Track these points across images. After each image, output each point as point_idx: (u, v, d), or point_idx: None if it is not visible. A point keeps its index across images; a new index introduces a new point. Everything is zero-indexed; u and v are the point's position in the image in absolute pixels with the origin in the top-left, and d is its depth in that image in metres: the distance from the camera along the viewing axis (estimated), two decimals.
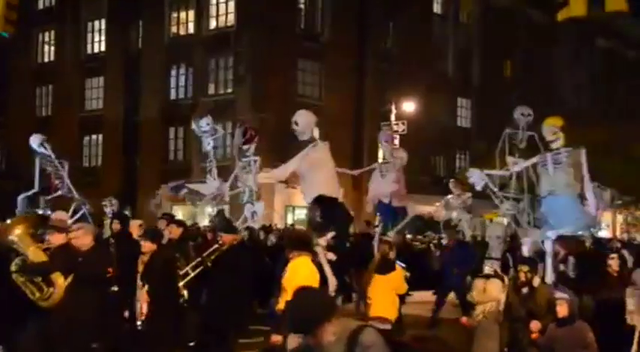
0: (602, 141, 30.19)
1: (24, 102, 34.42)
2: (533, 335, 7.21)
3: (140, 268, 7.78)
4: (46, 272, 6.94)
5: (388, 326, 7.96)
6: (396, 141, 29.94)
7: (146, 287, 7.50)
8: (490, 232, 9.83)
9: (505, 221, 11.14)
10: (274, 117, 24.77)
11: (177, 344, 7.93)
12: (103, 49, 33.11)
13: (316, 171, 9.91)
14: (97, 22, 33.32)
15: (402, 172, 12.40)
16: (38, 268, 6.97)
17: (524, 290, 7.45)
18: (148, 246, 7.64)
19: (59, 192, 12.50)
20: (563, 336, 6.60)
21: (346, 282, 11.30)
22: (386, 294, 8.12)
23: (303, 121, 10.23)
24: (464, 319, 7.93)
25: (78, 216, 11.63)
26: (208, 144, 11.79)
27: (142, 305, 7.41)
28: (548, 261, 9.12)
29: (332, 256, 10.49)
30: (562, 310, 6.64)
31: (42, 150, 12.49)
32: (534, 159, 9.74)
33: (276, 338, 6.23)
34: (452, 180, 15.95)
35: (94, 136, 33.13)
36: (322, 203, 10.21)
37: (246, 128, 11.87)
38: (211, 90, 29.42)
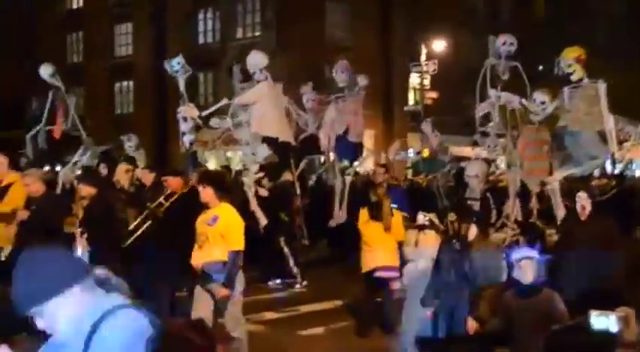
0: (636, 81, 29.48)
1: (55, 50, 34.57)
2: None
3: (80, 213, 7.07)
4: None
5: (395, 274, 7.43)
6: (427, 82, 29.69)
7: (85, 235, 6.88)
8: (468, 171, 8.78)
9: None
10: (302, 60, 24.63)
11: None
12: None
13: (257, 107, 10.13)
14: None
15: (360, 104, 11.65)
16: None
17: (457, 245, 5.85)
18: (86, 190, 6.93)
19: (62, 126, 11.90)
20: (525, 308, 5.07)
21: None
22: (387, 241, 7.59)
23: (251, 61, 10.52)
24: (394, 285, 6.88)
25: (85, 157, 11.35)
26: (181, 85, 11.61)
27: (83, 253, 6.70)
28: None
29: (264, 192, 10.72)
30: (528, 273, 5.05)
31: (53, 80, 11.82)
32: (557, 100, 9.19)
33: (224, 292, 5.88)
34: (428, 120, 15.66)
35: (124, 83, 33.32)
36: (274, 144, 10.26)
37: (242, 67, 11.61)
38: (239, 34, 29.22)
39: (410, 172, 17.70)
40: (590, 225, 6.35)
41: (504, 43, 9.88)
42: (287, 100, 11.46)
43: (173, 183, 7.46)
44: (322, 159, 12.56)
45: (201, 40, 30.43)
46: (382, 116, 29.36)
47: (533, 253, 5.19)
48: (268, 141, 10.37)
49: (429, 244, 6.46)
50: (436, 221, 6.78)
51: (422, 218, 6.82)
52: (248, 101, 10.32)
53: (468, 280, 5.64)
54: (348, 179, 11.26)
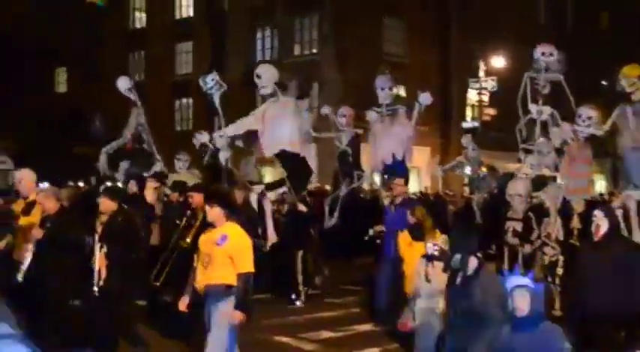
0: None
1: (118, 68, 35.50)
2: None
3: (99, 229, 6.93)
4: None
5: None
6: (485, 98, 29.26)
7: (104, 250, 6.69)
8: (510, 190, 8.37)
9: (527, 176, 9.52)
10: (359, 76, 24.58)
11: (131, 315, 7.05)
12: (191, 13, 33.68)
13: (276, 126, 9.91)
14: None
15: (412, 129, 10.99)
16: None
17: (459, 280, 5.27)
18: (106, 205, 6.80)
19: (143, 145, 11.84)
20: (519, 344, 4.50)
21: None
22: None
23: (266, 75, 10.23)
24: (403, 323, 6.35)
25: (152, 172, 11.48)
26: (215, 101, 11.65)
27: (101, 269, 6.60)
28: (634, 221, 8.26)
29: (303, 207, 10.55)
30: (521, 304, 4.47)
31: (129, 94, 11.92)
32: (613, 117, 8.84)
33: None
34: (468, 135, 15.25)
35: (184, 100, 33.95)
36: (284, 158, 10.13)
37: (301, 82, 11.60)
38: (296, 51, 29.44)
39: (467, 190, 17.38)
40: (603, 247, 5.80)
41: (543, 53, 9.50)
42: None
43: (197, 198, 7.39)
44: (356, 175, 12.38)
45: (259, 57, 30.77)
46: (439, 133, 29.05)
47: (526, 281, 4.56)
48: (289, 156, 10.27)
49: (439, 278, 5.93)
50: (447, 249, 6.04)
51: (431, 247, 6.25)
52: (277, 114, 10.28)
53: (469, 312, 5.00)
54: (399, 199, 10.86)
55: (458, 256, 5.23)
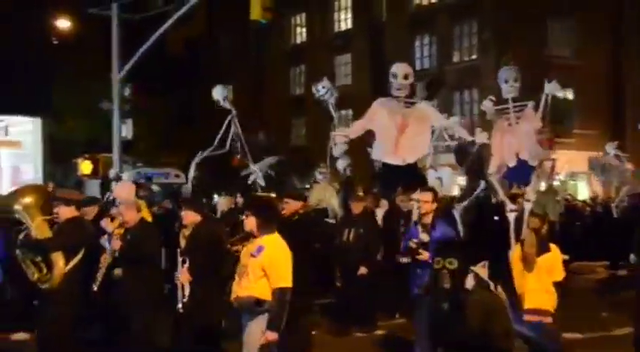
0: None
1: (280, 82, 36.88)
2: None
3: (182, 243, 6.71)
4: (45, 250, 6.31)
5: (549, 320, 6.49)
6: None
7: (186, 265, 6.46)
8: None
9: None
10: (522, 81, 23.66)
11: (220, 333, 6.75)
12: (349, 26, 34.20)
13: (416, 133, 9.76)
14: (342, 0, 34.48)
15: (535, 120, 9.56)
16: (37, 245, 6.35)
17: (445, 306, 4.26)
18: (189, 218, 6.60)
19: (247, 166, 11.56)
20: None
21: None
22: (541, 280, 6.56)
23: (413, 76, 9.91)
24: None
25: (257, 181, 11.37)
26: (330, 108, 11.44)
27: (184, 285, 6.38)
28: None
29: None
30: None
31: (225, 104, 11.48)
32: None
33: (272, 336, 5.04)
34: (614, 142, 13.74)
35: (343, 112, 34.43)
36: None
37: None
38: (456, 58, 28.98)
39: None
40: None
41: None
42: None
43: (293, 207, 7.38)
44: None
45: (418, 65, 30.58)
46: (611, 136, 27.29)
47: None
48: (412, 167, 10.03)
49: None
50: (481, 273, 4.83)
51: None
52: (418, 120, 10.05)
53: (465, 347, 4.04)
54: (528, 206, 9.22)
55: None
